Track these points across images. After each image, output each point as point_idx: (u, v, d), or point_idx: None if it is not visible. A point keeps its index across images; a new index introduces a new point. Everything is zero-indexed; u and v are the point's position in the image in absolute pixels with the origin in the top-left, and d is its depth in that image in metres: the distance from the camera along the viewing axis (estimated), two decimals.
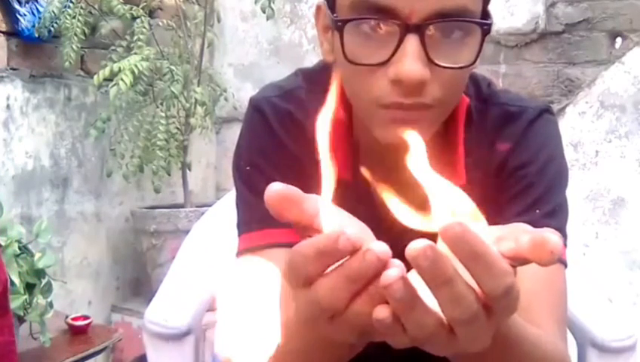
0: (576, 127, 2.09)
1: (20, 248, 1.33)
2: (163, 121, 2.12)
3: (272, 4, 2.07)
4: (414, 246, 0.39)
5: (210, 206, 1.49)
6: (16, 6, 1.91)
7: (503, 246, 0.42)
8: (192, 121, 2.15)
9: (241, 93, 2.55)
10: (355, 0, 0.64)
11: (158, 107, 2.18)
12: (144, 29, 2.05)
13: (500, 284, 0.41)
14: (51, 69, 2.09)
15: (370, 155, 0.77)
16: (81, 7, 1.98)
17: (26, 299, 1.29)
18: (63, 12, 1.94)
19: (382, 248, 0.40)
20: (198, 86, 2.15)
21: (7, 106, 1.95)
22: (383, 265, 0.40)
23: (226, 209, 1.24)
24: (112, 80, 1.94)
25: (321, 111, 0.44)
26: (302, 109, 0.78)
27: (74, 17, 1.95)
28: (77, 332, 1.58)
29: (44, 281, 1.37)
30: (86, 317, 1.61)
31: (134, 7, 2.08)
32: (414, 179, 0.43)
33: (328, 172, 0.42)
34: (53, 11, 1.92)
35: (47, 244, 1.48)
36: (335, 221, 0.43)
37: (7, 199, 1.87)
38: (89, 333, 1.59)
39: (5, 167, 1.95)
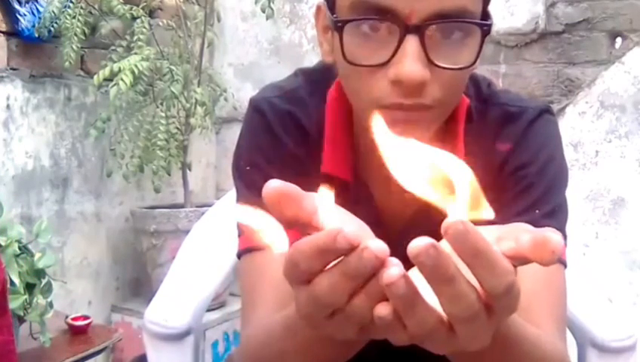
0: (576, 127, 2.09)
1: (20, 248, 1.33)
2: (163, 121, 2.12)
3: (271, 4, 2.07)
4: (416, 244, 0.39)
5: (210, 206, 1.49)
6: (16, 6, 1.91)
7: (504, 246, 0.42)
8: (192, 121, 2.15)
9: (241, 93, 2.55)
10: (355, 1, 0.64)
11: (158, 107, 2.17)
12: (144, 29, 2.05)
13: (501, 283, 0.41)
14: (51, 69, 2.08)
15: (370, 156, 0.77)
16: (81, 7, 1.98)
17: (25, 299, 1.29)
18: (63, 12, 1.94)
19: (379, 246, 0.40)
20: (198, 86, 2.15)
21: (7, 106, 1.95)
22: (381, 263, 0.40)
23: (226, 209, 1.24)
24: (112, 80, 1.93)
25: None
26: (302, 109, 0.78)
27: (74, 17, 1.94)
28: (77, 332, 1.58)
29: (44, 281, 1.37)
30: (86, 317, 1.61)
31: (134, 7, 2.08)
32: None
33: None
34: (53, 11, 1.92)
35: (47, 244, 1.48)
36: (334, 218, 0.43)
37: (7, 199, 1.87)
38: (89, 333, 1.59)
39: (5, 167, 1.95)
